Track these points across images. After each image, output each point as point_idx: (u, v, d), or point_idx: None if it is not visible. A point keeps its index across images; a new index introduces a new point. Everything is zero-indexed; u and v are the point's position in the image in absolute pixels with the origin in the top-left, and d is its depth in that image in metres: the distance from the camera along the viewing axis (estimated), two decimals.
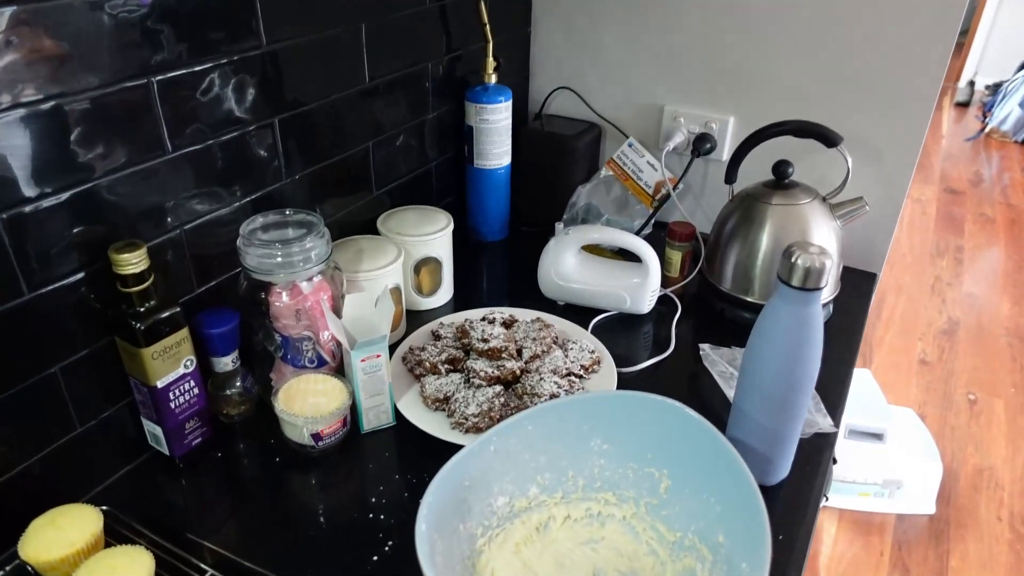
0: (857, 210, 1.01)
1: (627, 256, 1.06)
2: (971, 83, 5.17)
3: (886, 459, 1.91)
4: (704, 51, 1.18)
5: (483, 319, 0.95)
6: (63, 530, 0.64)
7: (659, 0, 1.18)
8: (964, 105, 5.06)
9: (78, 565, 0.62)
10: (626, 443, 0.71)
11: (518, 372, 0.86)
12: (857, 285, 1.14)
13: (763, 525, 0.58)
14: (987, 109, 4.72)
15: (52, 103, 0.62)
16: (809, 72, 1.11)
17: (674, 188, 1.20)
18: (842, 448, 1.92)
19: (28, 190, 0.62)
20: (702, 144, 1.20)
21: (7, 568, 0.64)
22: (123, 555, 0.62)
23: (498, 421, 0.79)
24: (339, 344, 0.83)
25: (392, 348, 0.94)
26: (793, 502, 0.77)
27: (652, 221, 1.22)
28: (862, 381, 2.09)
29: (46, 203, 0.64)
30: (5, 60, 0.58)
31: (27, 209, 0.63)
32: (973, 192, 3.86)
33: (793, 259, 0.66)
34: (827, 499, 0.88)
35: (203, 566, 0.65)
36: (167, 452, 0.78)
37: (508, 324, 0.95)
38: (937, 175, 4.04)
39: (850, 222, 1.02)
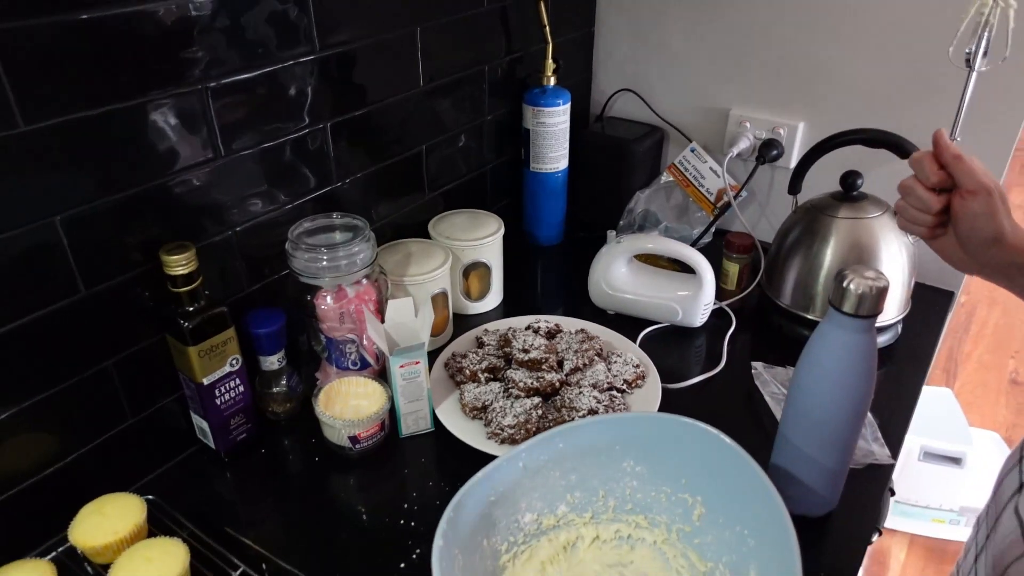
0: None
1: (682, 266, 1.03)
2: None
3: (964, 485, 1.80)
4: (774, 53, 1.13)
5: (527, 328, 0.94)
6: (109, 518, 0.67)
7: (729, 5, 1.13)
8: None
9: (121, 552, 0.65)
10: (660, 466, 0.69)
11: (557, 384, 0.84)
12: (931, 303, 1.07)
13: (795, 565, 0.55)
14: None
15: (104, 109, 0.65)
16: (885, 77, 1.05)
17: (735, 196, 1.16)
18: (916, 471, 1.81)
19: (85, 192, 0.65)
20: (768, 151, 1.15)
21: (59, 550, 0.68)
22: (160, 546, 0.65)
23: (534, 433, 0.78)
24: (377, 358, 0.84)
25: (437, 352, 0.94)
26: (841, 537, 0.73)
27: (712, 230, 1.18)
28: (942, 400, 1.97)
29: (102, 205, 0.67)
30: (54, 73, 0.61)
31: (84, 210, 0.66)
32: None
33: (845, 283, 0.62)
34: (880, 533, 0.83)
35: (236, 561, 0.67)
36: (213, 446, 0.80)
37: (552, 334, 0.94)
38: None
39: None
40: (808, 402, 0.67)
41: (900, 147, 0.93)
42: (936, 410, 1.92)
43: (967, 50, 0.63)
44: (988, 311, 2.75)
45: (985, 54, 0.64)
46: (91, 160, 0.65)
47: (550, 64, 1.12)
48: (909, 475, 1.82)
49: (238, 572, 0.66)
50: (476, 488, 0.63)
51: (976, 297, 2.81)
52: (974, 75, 0.63)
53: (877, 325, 0.97)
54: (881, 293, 0.62)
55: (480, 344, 0.94)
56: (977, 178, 0.59)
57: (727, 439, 0.65)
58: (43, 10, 0.58)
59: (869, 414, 0.85)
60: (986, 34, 0.65)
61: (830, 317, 0.65)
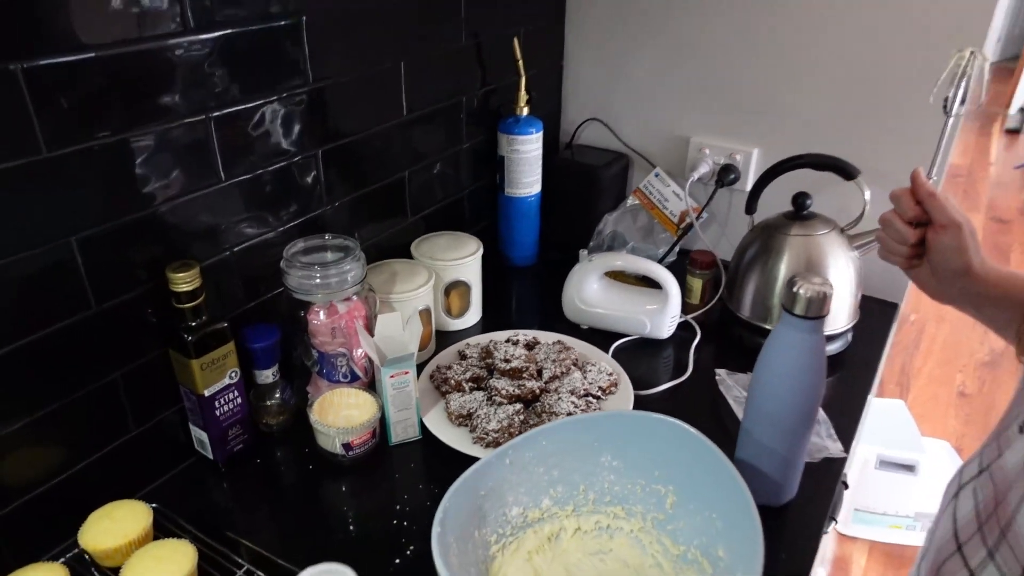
0: (873, 242, 1.03)
1: (649, 283, 1.10)
2: (1022, 110, 5.07)
3: (918, 491, 1.89)
4: (731, 85, 1.22)
5: (507, 340, 1.00)
6: (117, 522, 0.71)
7: (688, 35, 1.23)
8: (1015, 132, 4.96)
9: (129, 555, 0.69)
10: (635, 460, 0.75)
11: (537, 391, 0.90)
12: (878, 314, 1.16)
13: (758, 542, 0.61)
14: None
15: (119, 137, 0.70)
16: (831, 107, 1.15)
17: (697, 217, 1.24)
18: (873, 479, 1.90)
19: (99, 214, 0.70)
20: (726, 175, 1.24)
21: (68, 556, 0.71)
22: (170, 547, 0.69)
23: None
24: (371, 361, 0.89)
25: (422, 366, 0.99)
26: (799, 522, 0.80)
27: (676, 249, 1.26)
28: (896, 412, 2.07)
29: (113, 226, 0.72)
30: (75, 104, 0.66)
31: (97, 231, 0.70)
32: (1021, 221, 3.77)
33: (795, 289, 0.70)
34: (836, 521, 0.90)
35: (240, 560, 0.71)
36: (211, 457, 0.84)
37: (531, 346, 1.00)
38: (984, 203, 3.96)
39: (867, 253, 1.04)
40: (766, 397, 0.74)
41: (843, 169, 1.02)
42: (890, 421, 2.02)
43: (945, 96, 0.71)
44: (937, 328, 2.89)
45: (963, 101, 0.72)
46: (106, 184, 0.70)
47: (523, 95, 1.20)
48: (867, 483, 1.91)
49: (242, 571, 0.70)
50: (467, 482, 0.68)
51: (925, 315, 2.95)
52: (950, 121, 0.71)
53: (828, 333, 1.06)
54: (826, 297, 0.70)
55: (463, 357, 1.00)
56: (949, 214, 0.66)
57: (695, 431, 0.72)
58: (65, 49, 0.64)
59: (823, 412, 0.92)
60: (961, 82, 0.72)
61: (783, 320, 0.72)
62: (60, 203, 0.67)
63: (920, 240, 0.68)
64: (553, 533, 0.74)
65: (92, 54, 0.65)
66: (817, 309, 0.70)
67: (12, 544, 0.70)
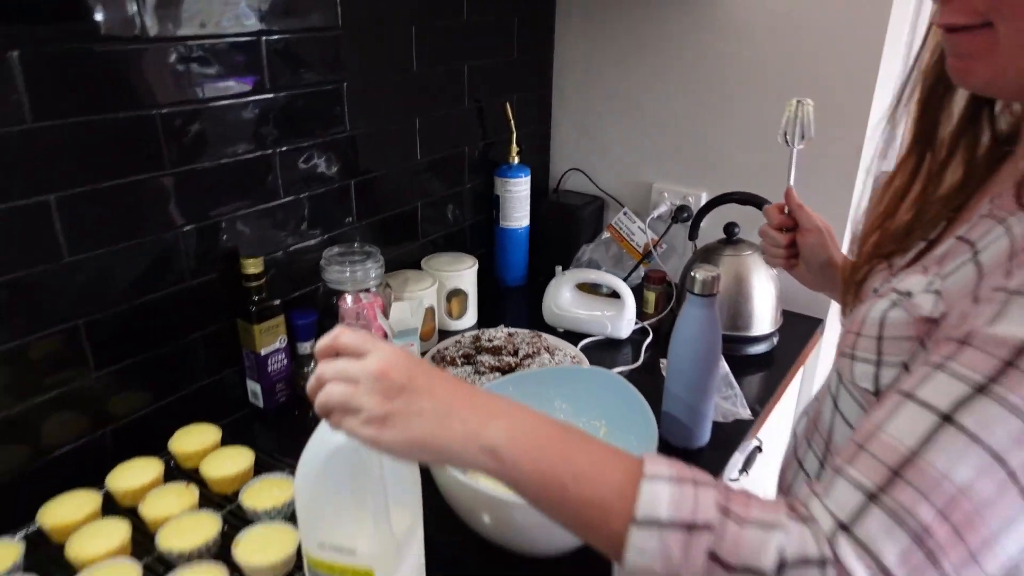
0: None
1: (613, 295, 1.37)
2: None
3: None
4: (682, 142, 1.52)
5: (493, 329, 1.26)
6: (196, 435, 0.97)
7: (650, 104, 1.53)
8: None
9: (204, 456, 0.95)
10: (579, 403, 1.00)
11: (513, 364, 1.16)
12: (800, 326, 1.41)
13: (654, 442, 0.85)
14: None
15: (217, 163, 1.00)
16: (757, 156, 1.43)
17: (655, 246, 1.51)
18: None
19: (198, 216, 0.99)
20: (681, 213, 1.52)
21: (164, 456, 0.96)
22: (235, 450, 0.95)
23: None
24: (386, 336, 1.16)
25: (425, 351, 1.26)
26: (707, 464, 1.03)
27: (640, 271, 1.52)
28: None
29: (207, 224, 1.01)
30: (188, 137, 0.96)
31: (200, 225, 0.99)
32: None
33: (693, 273, 0.96)
34: (747, 473, 1.13)
35: (286, 462, 0.97)
36: (262, 406, 1.11)
37: (511, 334, 1.26)
38: None
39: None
40: (677, 358, 1.00)
41: (758, 203, 1.30)
42: None
43: (787, 134, 0.98)
44: None
45: (803, 136, 0.98)
46: (203, 194, 0.99)
47: (515, 148, 1.50)
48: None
49: (286, 471, 0.96)
50: None
51: None
52: (795, 151, 0.98)
53: (755, 335, 1.30)
54: (715, 279, 0.96)
55: (458, 343, 1.26)
56: (812, 220, 0.93)
57: (621, 378, 0.97)
58: (187, 101, 0.94)
59: (736, 385, 1.16)
60: (796, 123, 1.00)
61: (687, 299, 0.98)
62: (175, 206, 0.96)
63: (791, 243, 0.94)
64: None
65: (206, 104, 0.96)
66: (709, 288, 0.96)
67: (121, 448, 0.97)
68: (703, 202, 1.51)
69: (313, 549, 0.66)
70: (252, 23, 1.00)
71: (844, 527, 0.45)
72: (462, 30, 1.37)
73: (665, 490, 0.49)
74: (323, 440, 0.65)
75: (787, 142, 0.96)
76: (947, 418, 0.45)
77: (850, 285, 0.72)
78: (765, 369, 1.29)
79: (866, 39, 1.27)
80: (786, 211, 0.95)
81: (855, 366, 0.60)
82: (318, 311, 1.17)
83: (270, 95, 1.05)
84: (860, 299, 0.71)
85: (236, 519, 0.86)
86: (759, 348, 1.32)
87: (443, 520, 0.85)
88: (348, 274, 1.13)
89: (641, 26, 1.49)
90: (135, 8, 0.86)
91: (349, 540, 0.65)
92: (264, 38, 1.02)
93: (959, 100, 0.64)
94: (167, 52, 0.91)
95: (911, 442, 0.45)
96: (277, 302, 1.07)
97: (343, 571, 0.66)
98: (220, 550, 0.82)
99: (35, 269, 0.84)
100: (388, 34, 1.22)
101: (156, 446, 0.97)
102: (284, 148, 1.09)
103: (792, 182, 0.95)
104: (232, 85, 0.99)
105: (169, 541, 0.80)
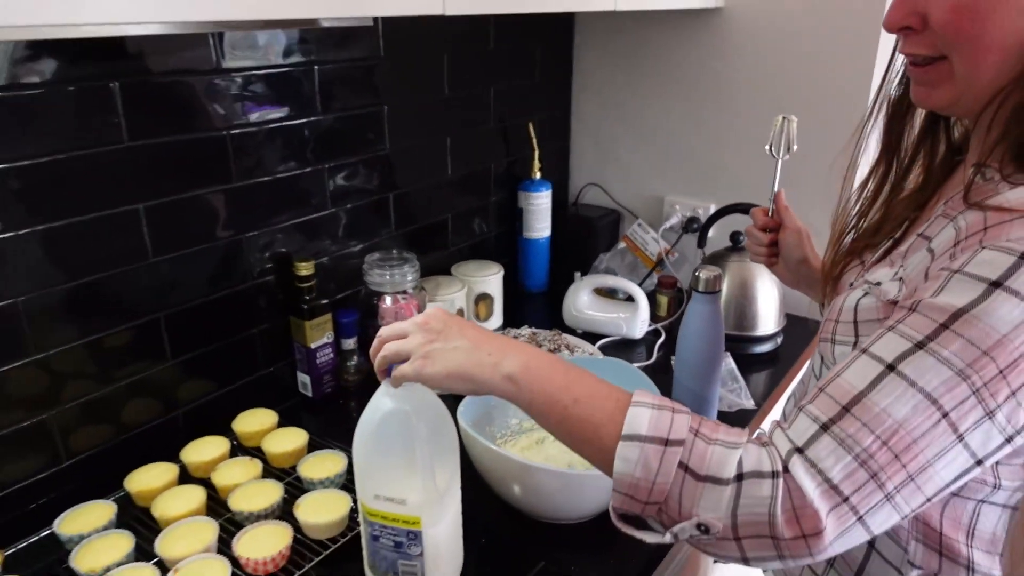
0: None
1: (628, 299, 1.48)
2: None
3: None
4: (691, 158, 1.63)
5: (517, 328, 1.38)
6: (256, 418, 1.10)
7: (661, 124, 1.65)
8: None
9: (263, 437, 1.07)
10: None
11: None
12: (802, 329, 1.51)
13: None
14: None
15: (274, 177, 1.14)
16: (760, 170, 1.54)
17: (667, 255, 1.63)
18: None
19: (260, 222, 1.13)
20: (691, 224, 1.63)
21: (228, 436, 1.08)
22: (291, 431, 1.07)
23: None
24: None
25: None
26: None
27: (651, 277, 1.64)
28: None
29: (267, 231, 1.14)
30: (250, 155, 1.10)
31: (259, 233, 1.13)
32: None
33: (697, 273, 1.07)
34: None
35: (337, 445, 1.09)
36: (310, 395, 1.23)
37: (535, 333, 1.38)
38: None
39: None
40: (684, 350, 1.11)
41: None
42: None
43: (772, 147, 1.09)
44: None
45: (788, 149, 1.09)
46: (270, 207, 1.13)
47: (537, 164, 1.63)
48: None
49: (336, 449, 1.08)
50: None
51: None
52: (779, 162, 1.09)
53: (760, 335, 1.41)
54: (717, 278, 1.07)
55: None
56: (795, 221, 1.04)
57: (636, 367, 1.08)
58: (253, 124, 1.08)
59: (741, 378, 1.26)
60: (782, 137, 1.10)
61: (692, 297, 1.09)
62: (240, 214, 1.10)
63: (773, 243, 1.06)
64: (540, 439, 1.10)
65: (266, 126, 1.10)
66: (711, 286, 1.07)
67: (191, 429, 1.09)
68: (711, 212, 1.63)
69: (368, 500, 0.78)
70: (305, 55, 1.14)
71: (798, 449, 0.56)
72: (489, 56, 1.50)
73: (647, 413, 0.61)
74: (377, 406, 0.77)
75: (773, 154, 1.07)
76: (891, 367, 0.56)
77: (828, 279, 0.83)
78: (770, 367, 1.39)
79: (857, 63, 1.39)
80: (770, 213, 1.06)
81: (835, 348, 0.71)
82: (360, 311, 1.29)
83: (320, 117, 1.19)
84: (837, 292, 0.82)
85: (295, 488, 0.99)
86: (764, 347, 1.43)
87: (475, 490, 0.96)
88: (388, 277, 1.26)
89: (652, 51, 1.62)
90: (212, 42, 1.01)
91: (399, 492, 0.77)
92: (316, 67, 1.16)
93: (919, 114, 0.76)
94: (235, 81, 1.05)
95: (860, 385, 0.56)
96: (325, 302, 1.20)
97: (395, 519, 0.77)
98: (283, 513, 0.94)
99: (127, 267, 0.98)
100: (423, 62, 1.36)
101: (221, 427, 1.10)
102: (331, 164, 1.23)
103: (777, 188, 1.06)
104: (288, 109, 1.13)
105: (239, 503, 0.93)
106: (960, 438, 0.53)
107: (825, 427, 0.56)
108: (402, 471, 0.77)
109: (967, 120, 0.72)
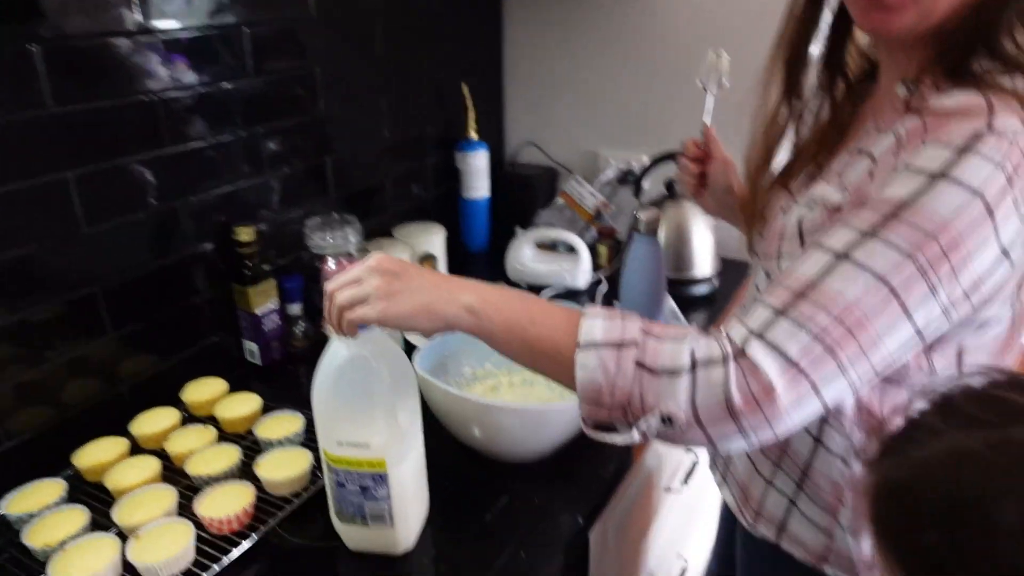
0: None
1: (569, 251, 1.51)
2: None
3: None
4: (623, 112, 1.67)
5: None
6: (206, 386, 1.09)
7: (592, 81, 1.68)
8: None
9: (215, 405, 1.06)
10: None
11: None
12: (736, 271, 1.57)
13: None
14: None
15: (206, 142, 1.11)
16: (689, 118, 1.59)
17: (604, 208, 1.67)
18: None
19: (188, 193, 1.10)
20: (627, 176, 1.67)
21: (178, 407, 1.07)
22: (244, 396, 1.06)
23: None
24: None
25: None
26: None
27: (591, 231, 1.67)
28: None
29: (206, 199, 1.12)
30: (182, 120, 1.07)
31: (199, 198, 1.10)
32: None
33: (637, 215, 1.11)
34: None
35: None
36: (259, 362, 1.22)
37: None
38: None
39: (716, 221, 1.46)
40: (627, 289, 1.14)
41: None
42: None
43: (703, 80, 1.12)
44: None
45: (720, 84, 1.13)
46: (206, 173, 1.10)
47: (472, 125, 1.63)
48: None
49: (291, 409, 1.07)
50: (435, 346, 1.07)
51: None
52: (709, 96, 1.12)
53: (697, 277, 1.46)
54: (656, 219, 1.10)
55: None
56: (722, 152, 1.08)
57: (580, 307, 1.11)
58: (184, 87, 1.05)
59: (682, 318, 1.32)
60: (712, 71, 1.14)
61: (634, 238, 1.13)
62: (174, 181, 1.07)
63: (702, 173, 1.10)
64: (494, 386, 1.12)
65: (197, 90, 1.07)
66: (651, 228, 1.11)
67: (139, 402, 1.07)
68: (646, 165, 1.67)
69: (332, 447, 0.79)
70: (234, 15, 1.11)
71: (756, 334, 0.60)
72: (422, 17, 1.49)
73: (599, 323, 0.64)
74: (335, 354, 0.77)
75: (704, 88, 1.11)
76: (842, 255, 0.60)
77: (753, 213, 0.87)
78: (707, 308, 1.45)
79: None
80: (700, 146, 1.10)
81: (782, 262, 0.75)
82: (304, 276, 1.28)
83: (252, 80, 1.16)
84: (767, 220, 0.86)
85: (253, 451, 0.98)
86: (701, 289, 1.48)
87: (437, 438, 0.98)
88: (330, 240, 1.25)
89: (580, 10, 1.64)
90: (135, 4, 0.97)
91: (362, 436, 0.78)
92: (245, 28, 1.13)
93: (813, 57, 0.80)
94: (162, 43, 1.02)
95: (813, 273, 0.60)
96: (268, 268, 1.19)
97: (359, 464, 0.78)
98: (242, 475, 0.93)
99: (59, 240, 0.95)
100: (356, 23, 1.34)
101: (170, 400, 1.08)
102: (265, 129, 1.21)
103: (709, 122, 1.10)
104: (218, 72, 1.10)
105: (197, 468, 0.92)
106: (907, 313, 0.58)
107: (782, 312, 0.60)
108: (364, 416, 0.78)
109: (866, 44, 0.77)
